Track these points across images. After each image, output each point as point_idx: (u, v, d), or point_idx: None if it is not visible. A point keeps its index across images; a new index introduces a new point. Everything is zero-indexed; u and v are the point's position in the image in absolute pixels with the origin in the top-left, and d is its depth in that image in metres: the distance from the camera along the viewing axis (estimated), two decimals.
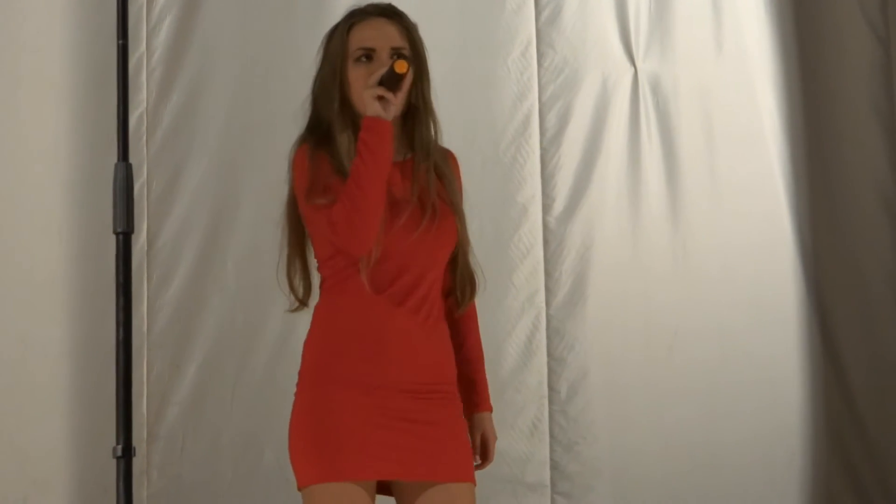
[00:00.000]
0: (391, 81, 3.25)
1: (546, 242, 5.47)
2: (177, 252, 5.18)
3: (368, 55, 3.38)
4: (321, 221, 3.30)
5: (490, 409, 3.56)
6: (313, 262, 3.47)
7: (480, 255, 3.49)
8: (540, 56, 5.54)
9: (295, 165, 3.40)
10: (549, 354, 5.44)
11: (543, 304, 5.47)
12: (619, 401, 5.49)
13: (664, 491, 5.50)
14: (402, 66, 3.24)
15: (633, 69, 5.65)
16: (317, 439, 3.30)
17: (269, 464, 5.13)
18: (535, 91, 5.53)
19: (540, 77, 5.53)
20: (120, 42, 3.76)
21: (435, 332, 3.40)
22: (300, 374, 3.41)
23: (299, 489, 3.33)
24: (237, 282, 5.21)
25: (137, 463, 3.69)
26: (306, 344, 3.42)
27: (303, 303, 3.48)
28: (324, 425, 3.30)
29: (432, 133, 3.47)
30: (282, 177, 5.13)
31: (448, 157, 3.52)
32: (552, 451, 5.40)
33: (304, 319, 5.09)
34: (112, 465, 3.62)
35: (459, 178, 3.54)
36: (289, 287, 3.47)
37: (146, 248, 5.13)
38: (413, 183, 3.39)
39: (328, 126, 3.40)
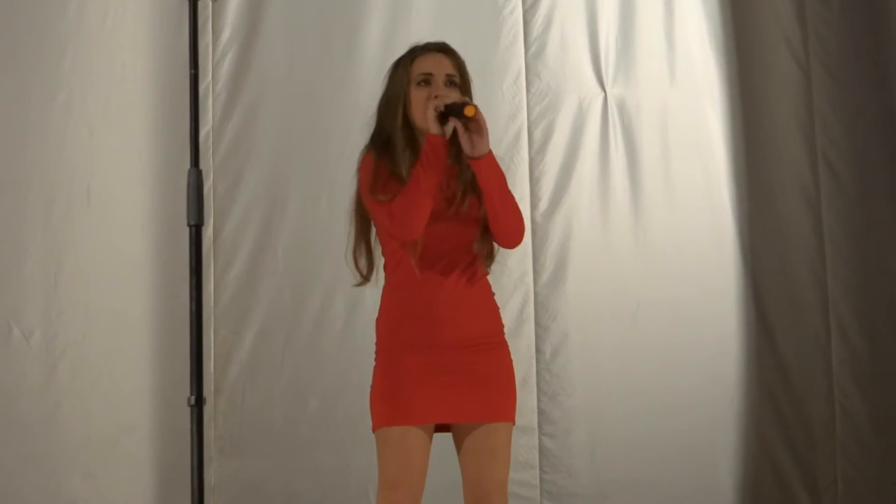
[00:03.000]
0: (454, 111, 3.26)
1: (534, 233, 5.46)
2: (237, 242, 5.18)
3: (427, 80, 3.42)
4: (382, 213, 3.33)
5: None
6: (376, 247, 3.49)
7: None
8: (528, 83, 5.53)
9: (362, 168, 3.43)
10: (537, 323, 5.44)
11: (532, 283, 5.46)
12: (593, 360, 5.48)
13: (628, 431, 5.50)
14: (470, 111, 3.24)
15: (603, 93, 5.63)
16: (387, 393, 3.35)
17: (313, 411, 5.15)
18: (524, 111, 5.52)
19: (528, 100, 5.53)
20: (191, 72, 3.75)
21: (478, 291, 3.43)
22: (376, 343, 3.44)
23: (373, 431, 3.37)
24: (285, 265, 5.21)
25: (206, 411, 3.66)
26: (377, 319, 3.45)
27: (366, 278, 3.50)
28: (392, 382, 3.35)
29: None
30: (322, 183, 5.22)
31: None
32: (539, 400, 5.39)
33: (340, 296, 5.15)
34: (187, 412, 3.62)
35: None
36: (354, 265, 3.50)
37: (213, 238, 5.12)
38: (452, 182, 3.42)
39: (388, 137, 3.42)
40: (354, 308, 5.18)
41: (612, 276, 5.55)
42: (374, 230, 3.49)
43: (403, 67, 3.47)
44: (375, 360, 3.43)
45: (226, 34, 5.21)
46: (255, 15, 5.24)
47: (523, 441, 5.30)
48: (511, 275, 5.35)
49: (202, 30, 5.06)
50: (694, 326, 5.60)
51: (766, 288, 5.73)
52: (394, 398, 3.34)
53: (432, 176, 3.27)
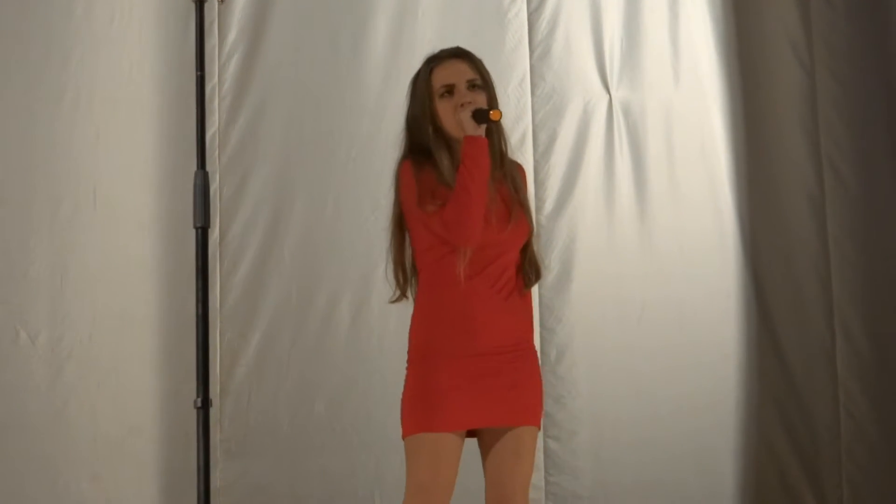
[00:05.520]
0: (481, 117, 3.29)
1: (539, 236, 5.40)
2: (243, 243, 5.16)
3: (450, 90, 3.39)
4: (434, 222, 3.31)
5: None
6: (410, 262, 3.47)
7: None
8: (533, 86, 5.52)
9: (402, 179, 3.39)
10: (542, 325, 5.41)
11: (536, 286, 5.42)
12: (598, 362, 5.47)
13: (633, 433, 5.49)
14: (496, 115, 3.30)
15: (608, 96, 5.61)
16: (421, 400, 3.34)
17: (319, 414, 5.13)
18: (529, 114, 5.51)
19: (533, 103, 5.52)
20: (198, 73, 3.72)
21: (514, 302, 3.40)
22: (409, 351, 3.42)
23: (403, 438, 3.36)
24: (291, 267, 5.19)
25: (212, 413, 3.64)
26: (412, 327, 3.43)
27: (403, 294, 3.48)
28: (427, 390, 3.33)
29: (503, 146, 3.48)
30: (328, 184, 5.20)
31: (517, 168, 3.54)
32: (544, 402, 5.36)
33: (346, 298, 5.13)
34: (193, 414, 3.60)
35: (526, 184, 3.55)
36: (395, 281, 3.47)
37: (219, 240, 5.11)
38: (495, 189, 3.39)
39: (426, 148, 3.39)
40: (360, 310, 5.16)
41: (617, 278, 5.55)
42: (408, 244, 3.47)
43: (423, 81, 3.44)
44: (407, 368, 3.42)
45: (232, 36, 5.19)
46: (261, 17, 5.22)
47: None
48: None
49: (208, 31, 5.05)
50: (698, 329, 5.61)
51: (770, 291, 5.72)
52: (428, 405, 3.32)
53: (479, 175, 3.25)
